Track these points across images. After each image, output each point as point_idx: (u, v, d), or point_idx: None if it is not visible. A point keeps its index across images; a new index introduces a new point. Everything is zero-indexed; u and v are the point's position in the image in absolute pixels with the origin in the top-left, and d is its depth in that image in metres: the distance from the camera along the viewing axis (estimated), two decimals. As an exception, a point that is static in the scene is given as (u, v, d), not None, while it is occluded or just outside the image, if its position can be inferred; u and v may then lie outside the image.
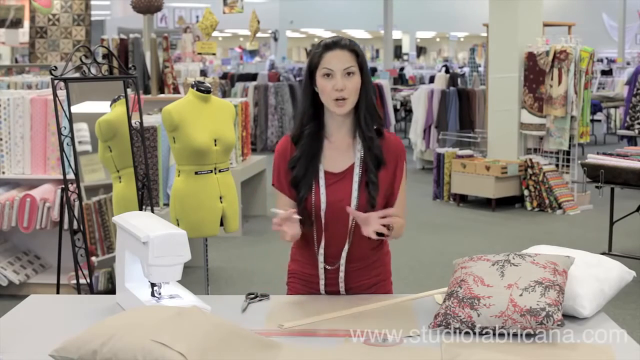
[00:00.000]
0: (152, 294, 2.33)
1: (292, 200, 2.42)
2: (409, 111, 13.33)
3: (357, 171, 2.38)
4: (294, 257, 2.57)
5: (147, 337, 1.79)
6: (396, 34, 28.36)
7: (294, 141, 2.42)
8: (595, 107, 13.17)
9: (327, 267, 2.45)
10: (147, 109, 6.49)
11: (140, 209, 4.26)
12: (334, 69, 2.30)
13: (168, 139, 4.13)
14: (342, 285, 2.46)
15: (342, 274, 2.45)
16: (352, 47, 2.33)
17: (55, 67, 4.04)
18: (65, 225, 4.37)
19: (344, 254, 2.43)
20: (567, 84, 7.85)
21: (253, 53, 27.64)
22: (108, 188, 4.60)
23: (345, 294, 2.47)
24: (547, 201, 8.10)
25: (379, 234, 2.27)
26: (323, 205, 2.37)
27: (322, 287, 2.47)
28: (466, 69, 14.68)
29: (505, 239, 6.96)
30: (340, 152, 2.40)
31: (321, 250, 2.43)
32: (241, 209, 6.53)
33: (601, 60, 22.55)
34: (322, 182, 2.38)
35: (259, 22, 7.58)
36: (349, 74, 2.31)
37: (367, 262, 2.48)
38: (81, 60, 4.08)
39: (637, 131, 8.07)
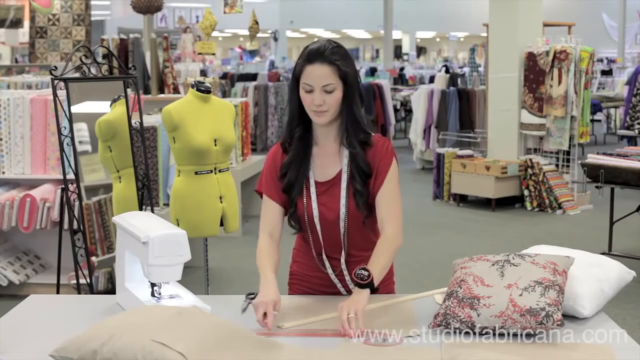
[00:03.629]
0: (152, 294, 2.33)
1: (282, 207, 2.41)
2: (409, 111, 13.34)
3: (344, 178, 2.36)
4: (295, 259, 2.57)
5: (147, 337, 1.79)
6: (396, 34, 28.35)
7: (284, 148, 2.42)
8: (595, 107, 13.16)
9: (333, 272, 2.46)
10: (147, 109, 6.48)
11: (140, 209, 4.26)
12: (313, 84, 2.26)
13: (168, 139, 4.13)
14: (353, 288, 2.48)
15: (347, 278, 2.46)
16: (333, 60, 2.26)
17: (55, 67, 4.04)
18: (65, 225, 4.37)
19: (342, 260, 2.45)
20: (567, 84, 7.85)
21: (253, 53, 27.64)
22: (108, 188, 4.60)
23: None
24: (547, 201, 8.10)
25: (359, 284, 2.19)
26: (316, 212, 2.37)
27: (342, 290, 2.49)
28: (466, 69, 14.68)
29: (505, 239, 6.96)
30: (329, 159, 2.39)
31: (324, 257, 2.45)
32: (241, 209, 6.53)
33: (601, 60, 22.55)
34: (312, 189, 2.38)
35: (257, 22, 7.58)
36: (328, 91, 2.26)
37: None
38: (81, 60, 4.08)
39: (637, 131, 8.07)
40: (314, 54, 2.28)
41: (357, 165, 2.34)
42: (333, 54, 2.28)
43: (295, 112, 2.35)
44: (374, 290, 2.20)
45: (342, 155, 2.37)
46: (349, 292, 2.47)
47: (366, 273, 2.17)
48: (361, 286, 2.18)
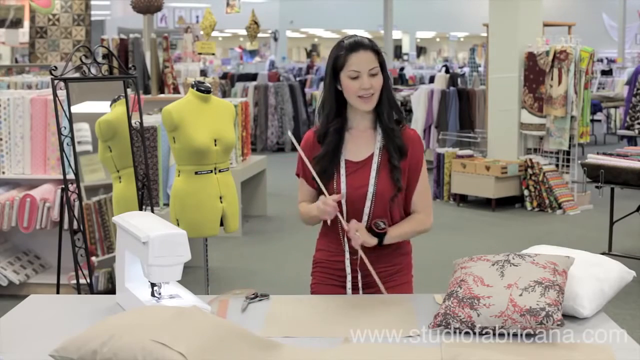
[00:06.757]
0: (152, 294, 2.33)
1: (313, 189, 2.58)
2: (409, 111, 13.31)
3: (376, 159, 2.49)
4: (319, 247, 2.64)
5: (147, 337, 1.79)
6: (396, 34, 28.35)
7: (319, 139, 2.54)
8: (595, 107, 13.16)
9: (352, 256, 2.52)
10: (147, 109, 6.48)
11: (140, 209, 4.26)
12: (360, 70, 2.43)
13: (168, 139, 4.13)
14: (359, 274, 2.51)
15: (358, 261, 2.50)
16: (374, 47, 2.46)
17: (55, 67, 4.04)
18: (65, 225, 4.37)
19: None
20: (567, 84, 7.85)
21: (253, 53, 27.62)
22: (108, 188, 4.60)
23: (362, 286, 2.52)
24: (547, 201, 8.10)
25: (375, 232, 2.43)
26: (343, 192, 2.47)
27: (348, 283, 2.52)
28: (466, 69, 14.67)
29: (505, 239, 6.96)
30: (362, 142, 2.53)
31: (345, 239, 2.51)
32: (241, 209, 6.53)
33: (601, 60, 22.55)
34: (342, 170, 2.50)
35: (256, 22, 7.59)
36: (373, 74, 2.43)
37: (388, 250, 2.53)
38: (81, 60, 4.08)
39: (637, 131, 8.07)
40: (356, 44, 2.45)
41: (393, 143, 2.48)
42: (371, 43, 2.48)
43: (333, 105, 2.50)
44: (381, 245, 2.43)
45: (376, 140, 2.51)
46: (355, 287, 2.52)
47: (383, 225, 2.43)
48: (373, 234, 2.42)
